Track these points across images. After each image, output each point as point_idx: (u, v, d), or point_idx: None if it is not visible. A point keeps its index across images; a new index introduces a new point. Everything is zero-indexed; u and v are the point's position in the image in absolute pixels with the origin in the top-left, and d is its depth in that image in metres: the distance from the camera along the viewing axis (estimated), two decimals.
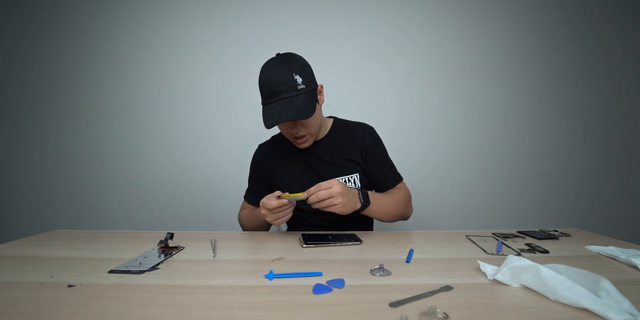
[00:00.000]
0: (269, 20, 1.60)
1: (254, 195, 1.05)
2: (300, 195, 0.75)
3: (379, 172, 0.99)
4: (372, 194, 0.86)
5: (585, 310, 0.41)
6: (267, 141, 1.09)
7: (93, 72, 1.63)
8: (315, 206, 0.75)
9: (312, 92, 0.86)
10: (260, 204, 0.80)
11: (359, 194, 0.81)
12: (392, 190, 0.98)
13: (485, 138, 1.64)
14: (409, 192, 1.00)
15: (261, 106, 0.88)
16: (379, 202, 0.87)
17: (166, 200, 1.66)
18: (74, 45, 1.62)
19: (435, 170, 1.65)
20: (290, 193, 0.79)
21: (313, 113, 0.83)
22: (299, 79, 0.83)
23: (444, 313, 0.40)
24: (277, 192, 0.81)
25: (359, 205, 0.80)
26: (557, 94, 1.64)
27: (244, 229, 1.04)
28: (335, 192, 0.73)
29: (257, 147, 1.09)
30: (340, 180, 0.93)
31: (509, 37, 1.62)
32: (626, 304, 0.40)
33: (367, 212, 0.85)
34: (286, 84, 0.82)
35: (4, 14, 1.62)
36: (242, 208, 1.08)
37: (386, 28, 1.60)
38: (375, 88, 1.62)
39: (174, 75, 1.63)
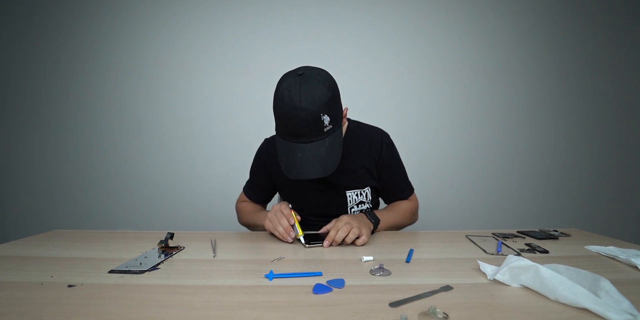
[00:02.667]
0: (269, 20, 1.60)
1: (253, 191, 1.03)
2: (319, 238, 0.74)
3: (393, 185, 0.97)
4: (377, 212, 0.87)
5: (585, 310, 0.41)
6: (274, 137, 1.00)
7: (93, 73, 1.63)
8: (346, 241, 0.72)
9: (338, 131, 0.76)
10: (269, 217, 0.77)
11: (366, 215, 0.82)
12: (398, 202, 0.98)
13: (485, 138, 1.64)
14: (417, 203, 1.00)
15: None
16: (386, 218, 0.87)
17: (166, 200, 1.66)
18: (74, 46, 1.62)
19: (436, 171, 1.65)
20: (298, 214, 0.79)
21: (338, 162, 0.75)
22: (326, 120, 0.71)
23: (444, 313, 0.40)
24: (293, 219, 0.75)
25: (371, 225, 0.80)
26: (557, 94, 1.64)
27: (240, 220, 1.02)
28: (344, 222, 0.72)
29: (262, 141, 1.03)
30: (352, 193, 0.92)
31: (510, 38, 1.62)
32: (626, 304, 0.40)
33: (378, 229, 0.85)
34: (311, 127, 0.71)
35: (4, 15, 1.62)
36: (240, 200, 1.06)
37: (386, 28, 1.60)
38: (375, 88, 1.62)
39: (174, 76, 1.63)
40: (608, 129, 1.66)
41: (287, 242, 0.75)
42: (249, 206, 1.02)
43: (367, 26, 1.60)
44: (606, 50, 1.63)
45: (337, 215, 0.88)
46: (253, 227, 0.96)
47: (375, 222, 0.82)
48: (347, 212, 0.93)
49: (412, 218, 0.98)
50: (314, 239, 0.74)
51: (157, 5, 1.60)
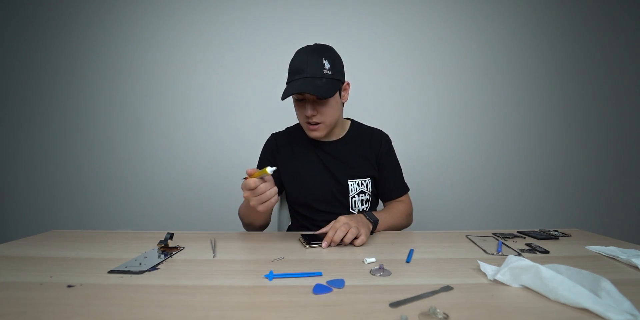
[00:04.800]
0: (270, 21, 1.60)
1: None
2: (266, 172, 0.68)
3: (388, 181, 1.00)
4: (375, 212, 0.87)
5: (585, 310, 0.41)
6: (281, 131, 1.07)
7: (93, 73, 1.63)
8: (344, 241, 0.71)
9: (336, 81, 0.86)
10: (242, 185, 0.72)
11: (365, 215, 0.81)
12: (394, 204, 0.99)
13: (485, 138, 1.64)
14: (411, 205, 1.02)
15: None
16: (384, 218, 0.87)
17: (166, 200, 1.66)
18: (75, 46, 1.62)
19: (435, 171, 1.65)
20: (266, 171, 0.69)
21: (331, 95, 0.83)
22: (326, 64, 0.83)
23: (444, 313, 0.40)
24: (249, 169, 0.72)
25: (370, 225, 0.80)
26: (557, 94, 1.64)
27: (243, 220, 0.95)
28: (342, 222, 0.72)
29: (268, 136, 1.06)
30: (354, 182, 0.95)
31: (509, 37, 1.62)
32: (626, 304, 0.40)
33: (377, 230, 0.85)
34: (312, 66, 0.82)
35: (5, 15, 1.62)
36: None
37: (385, 29, 1.60)
38: (373, 88, 1.62)
39: (174, 76, 1.63)
40: (607, 128, 1.66)
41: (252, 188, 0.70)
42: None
43: (366, 26, 1.60)
44: (606, 50, 1.63)
45: (338, 204, 0.93)
46: (252, 217, 0.89)
47: (374, 222, 0.82)
48: (348, 201, 0.95)
49: (408, 220, 1.00)
50: (314, 239, 0.74)
51: (158, 5, 1.60)
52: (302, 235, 0.79)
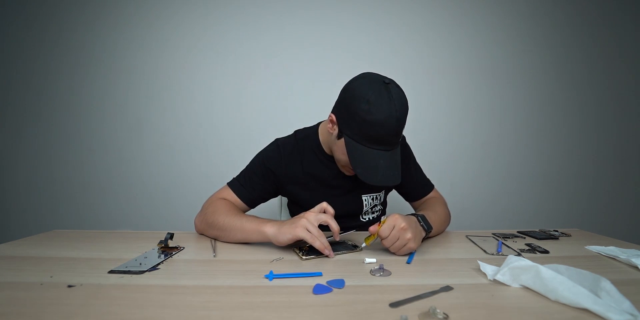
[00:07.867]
0: (271, 22, 1.59)
1: (248, 190, 0.88)
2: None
3: (413, 182, 0.96)
4: (428, 217, 0.76)
5: (585, 310, 0.41)
6: (289, 140, 0.90)
7: (95, 73, 1.63)
8: (392, 249, 0.66)
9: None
10: (305, 225, 0.66)
11: (419, 221, 0.71)
12: (432, 202, 0.93)
13: (484, 138, 1.64)
14: (444, 198, 0.98)
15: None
16: (435, 223, 0.79)
17: (166, 201, 1.66)
18: (77, 46, 1.62)
19: (435, 171, 1.63)
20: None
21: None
22: (404, 130, 0.75)
23: (444, 313, 0.40)
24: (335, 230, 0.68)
25: (423, 233, 0.70)
26: (556, 94, 1.64)
27: (208, 218, 0.79)
28: (402, 228, 0.64)
29: (272, 142, 0.92)
30: (368, 197, 0.90)
31: (508, 38, 1.62)
32: (626, 304, 0.40)
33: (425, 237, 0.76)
34: (397, 136, 0.72)
35: (6, 15, 1.62)
36: (218, 197, 0.88)
37: (383, 29, 1.60)
38: None
39: (176, 76, 1.62)
40: (607, 128, 1.66)
41: (328, 255, 0.66)
42: (228, 207, 0.83)
43: (366, 27, 1.60)
44: (604, 51, 1.63)
45: (350, 219, 0.88)
46: (226, 233, 0.76)
47: (428, 231, 0.72)
48: (359, 217, 0.92)
49: (450, 216, 0.93)
50: (311, 251, 0.68)
51: (160, 6, 1.60)
52: (298, 246, 0.72)
